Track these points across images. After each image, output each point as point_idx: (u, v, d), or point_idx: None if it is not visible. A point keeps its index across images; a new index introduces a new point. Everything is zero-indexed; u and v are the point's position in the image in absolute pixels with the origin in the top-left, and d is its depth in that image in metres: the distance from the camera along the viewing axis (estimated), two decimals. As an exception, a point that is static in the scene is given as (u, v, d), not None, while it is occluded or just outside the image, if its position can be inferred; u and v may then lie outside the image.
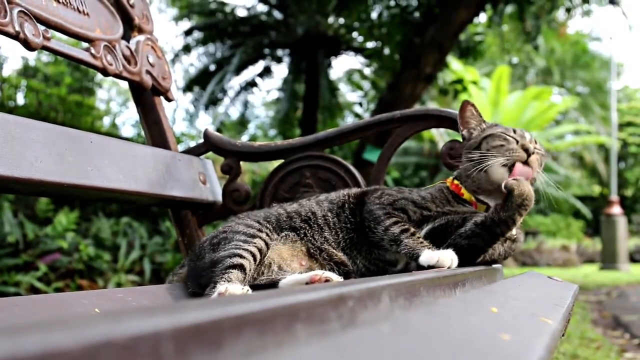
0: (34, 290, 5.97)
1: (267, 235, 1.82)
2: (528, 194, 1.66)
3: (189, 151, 2.55)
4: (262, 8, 13.90)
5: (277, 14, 13.68)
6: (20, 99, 10.33)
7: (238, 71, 13.36)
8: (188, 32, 13.44)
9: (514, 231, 1.76)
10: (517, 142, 1.85)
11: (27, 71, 12.07)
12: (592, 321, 6.83)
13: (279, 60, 14.27)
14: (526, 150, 1.83)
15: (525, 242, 20.01)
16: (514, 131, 1.90)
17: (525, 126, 20.08)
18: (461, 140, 2.07)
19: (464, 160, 1.96)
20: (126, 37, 2.40)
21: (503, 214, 1.67)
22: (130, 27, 2.45)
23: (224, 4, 13.67)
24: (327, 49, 13.24)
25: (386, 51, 9.68)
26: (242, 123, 16.75)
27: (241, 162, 2.49)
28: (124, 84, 2.61)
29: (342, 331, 0.66)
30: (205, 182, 2.46)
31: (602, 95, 28.63)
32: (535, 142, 1.89)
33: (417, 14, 9.14)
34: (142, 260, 7.27)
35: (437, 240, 1.77)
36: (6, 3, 1.78)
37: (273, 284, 1.70)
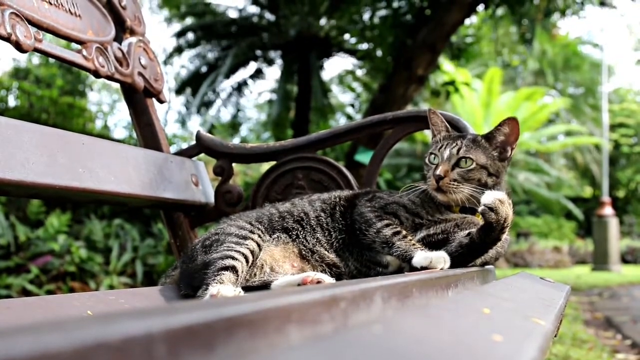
0: (25, 292, 5.94)
1: (259, 236, 1.82)
2: (506, 216, 1.61)
3: (181, 153, 2.54)
4: (253, 10, 13.88)
5: (269, 16, 13.66)
6: (12, 101, 10.30)
7: (230, 73, 13.35)
8: (180, 34, 13.42)
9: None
10: (436, 166, 1.85)
11: (18, 73, 12.05)
12: (584, 322, 6.85)
13: (270, 62, 14.26)
14: (437, 177, 1.81)
15: (517, 244, 20.04)
16: (440, 148, 1.88)
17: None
18: None
19: None
20: (118, 39, 2.39)
21: (488, 239, 1.65)
22: (122, 29, 2.45)
23: (215, 5, 13.66)
24: (319, 51, 13.24)
25: (378, 53, 9.69)
26: (233, 125, 16.73)
27: (233, 164, 2.49)
28: (116, 86, 2.60)
29: (334, 333, 0.66)
30: (197, 183, 2.46)
31: (593, 97, 28.71)
32: (462, 151, 1.83)
33: (409, 16, 9.15)
34: (134, 263, 7.25)
35: (429, 248, 1.75)
36: (-3, 5, 1.78)
37: (265, 286, 1.70)
